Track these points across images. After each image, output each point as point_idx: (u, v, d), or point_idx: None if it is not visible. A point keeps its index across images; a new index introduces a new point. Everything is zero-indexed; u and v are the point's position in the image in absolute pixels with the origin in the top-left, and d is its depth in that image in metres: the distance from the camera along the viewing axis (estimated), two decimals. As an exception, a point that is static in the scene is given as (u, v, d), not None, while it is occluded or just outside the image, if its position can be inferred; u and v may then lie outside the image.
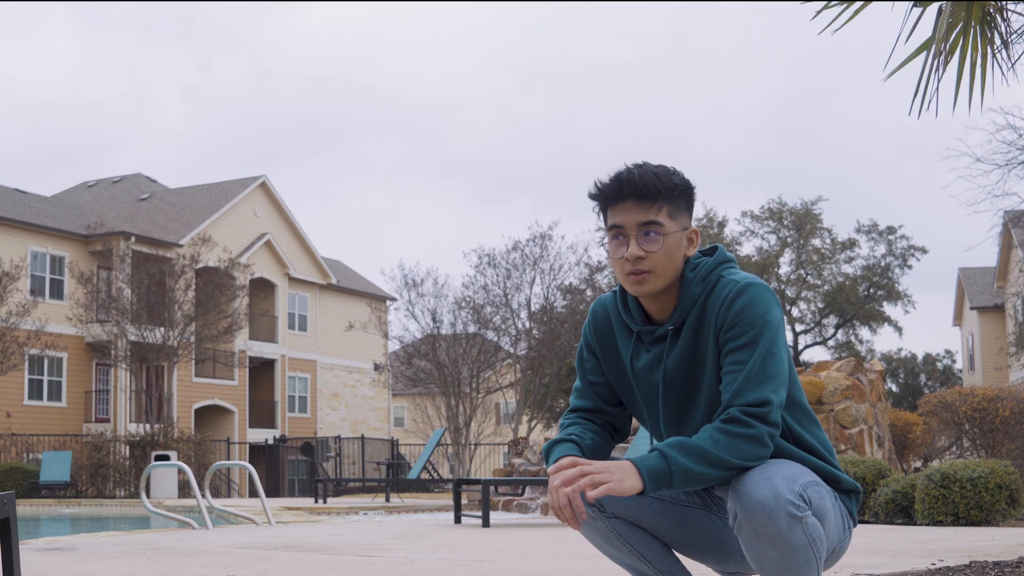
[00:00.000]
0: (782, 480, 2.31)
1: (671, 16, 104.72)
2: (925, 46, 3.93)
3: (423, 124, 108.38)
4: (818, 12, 3.97)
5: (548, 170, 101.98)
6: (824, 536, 2.38)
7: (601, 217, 2.61)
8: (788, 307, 41.83)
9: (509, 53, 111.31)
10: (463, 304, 28.28)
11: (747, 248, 41.51)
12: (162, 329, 28.59)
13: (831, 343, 43.05)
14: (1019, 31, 4.08)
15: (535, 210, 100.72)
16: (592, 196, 2.58)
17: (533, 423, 28.79)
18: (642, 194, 2.49)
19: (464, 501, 14.02)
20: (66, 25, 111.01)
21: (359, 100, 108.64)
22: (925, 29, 4.00)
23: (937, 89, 3.93)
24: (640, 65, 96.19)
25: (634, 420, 2.78)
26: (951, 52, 3.91)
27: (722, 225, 40.86)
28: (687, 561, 2.76)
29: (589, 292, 28.33)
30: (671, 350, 2.54)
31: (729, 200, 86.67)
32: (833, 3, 3.98)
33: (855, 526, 2.61)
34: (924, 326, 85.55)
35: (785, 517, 2.28)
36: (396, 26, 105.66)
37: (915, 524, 9.29)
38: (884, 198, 78.87)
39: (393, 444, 33.83)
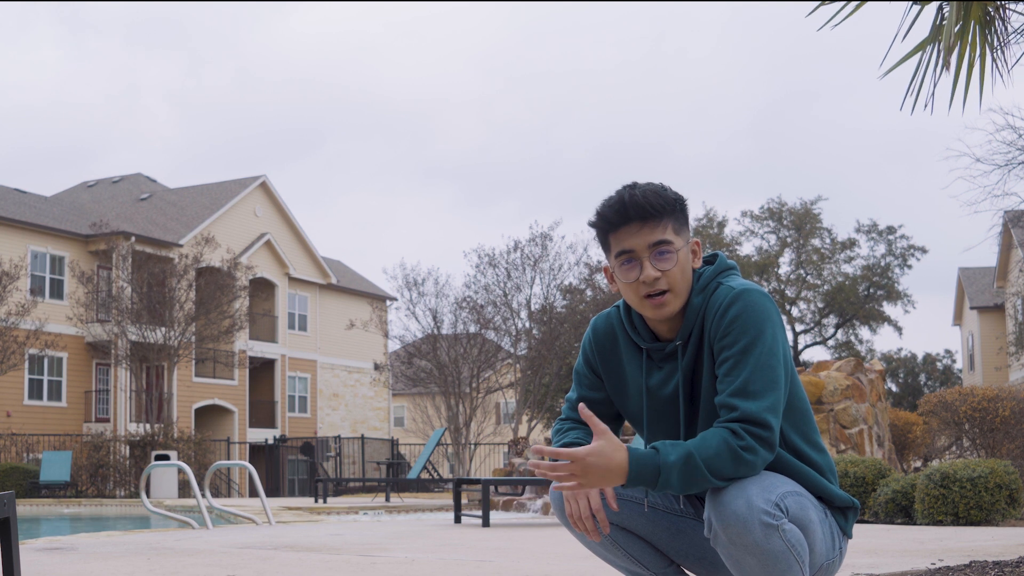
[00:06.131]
0: (757, 490, 2.29)
1: (653, 19, 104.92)
2: (923, 45, 3.93)
3: (409, 127, 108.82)
4: (814, 9, 3.96)
5: (535, 173, 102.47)
6: (806, 544, 2.35)
7: (601, 245, 2.57)
8: (788, 307, 41.82)
9: (493, 58, 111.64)
10: (464, 304, 28.28)
11: (747, 248, 41.54)
12: (162, 329, 28.59)
13: (831, 343, 43.06)
14: (1019, 30, 4.08)
15: (523, 212, 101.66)
16: (594, 224, 2.54)
17: (533, 423, 28.79)
18: (647, 215, 2.46)
19: (464, 501, 14.03)
20: (53, 29, 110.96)
21: (345, 103, 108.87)
22: (923, 28, 4.00)
23: (934, 87, 3.93)
24: (624, 70, 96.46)
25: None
26: (950, 51, 3.91)
27: (722, 225, 40.86)
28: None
29: (589, 292, 28.31)
30: (682, 367, 2.51)
31: (719, 202, 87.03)
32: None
33: (850, 538, 2.58)
34: (924, 326, 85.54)
35: (760, 526, 2.26)
36: (382, 30, 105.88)
37: (915, 524, 9.29)
38: (883, 198, 78.94)
39: (393, 444, 33.83)
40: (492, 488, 12.82)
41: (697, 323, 2.49)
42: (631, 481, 2.31)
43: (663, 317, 2.50)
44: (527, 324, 28.44)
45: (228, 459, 30.98)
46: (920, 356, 48.13)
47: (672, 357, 2.54)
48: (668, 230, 2.47)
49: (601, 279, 28.43)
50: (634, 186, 2.51)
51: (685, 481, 2.30)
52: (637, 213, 2.46)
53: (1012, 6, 4.03)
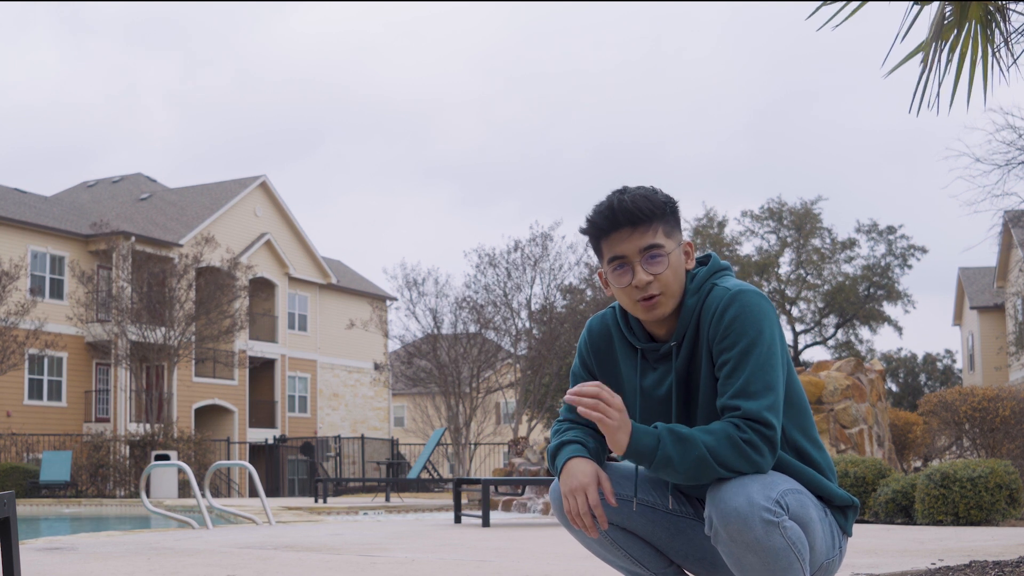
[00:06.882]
0: (758, 487, 2.29)
1: (652, 20, 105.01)
2: (926, 45, 3.92)
3: (408, 127, 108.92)
4: (815, 10, 3.96)
5: (535, 173, 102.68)
6: (807, 542, 2.35)
7: (594, 251, 2.58)
8: (788, 307, 41.82)
9: (493, 58, 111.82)
10: (464, 304, 28.28)
11: (747, 248, 41.54)
12: (162, 329, 28.59)
13: (831, 343, 43.05)
14: (1019, 30, 4.08)
15: (523, 212, 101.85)
16: (586, 231, 2.55)
17: (533, 423, 28.78)
18: (637, 220, 2.47)
19: (464, 501, 14.03)
20: (52, 29, 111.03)
21: (345, 103, 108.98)
22: (923, 27, 4.00)
23: (939, 87, 3.93)
24: (623, 70, 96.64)
25: None
26: (951, 51, 3.91)
27: (722, 225, 40.85)
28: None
29: (589, 292, 28.31)
30: (675, 367, 2.52)
31: (719, 202, 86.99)
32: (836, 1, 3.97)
33: (850, 536, 2.58)
34: (924, 326, 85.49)
35: (760, 523, 2.26)
36: (382, 30, 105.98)
37: (915, 524, 9.29)
38: (883, 198, 78.97)
39: (393, 444, 33.84)
40: (492, 488, 12.82)
41: (692, 324, 2.51)
42: (632, 447, 2.35)
43: (656, 318, 2.52)
44: (527, 324, 28.44)
45: (228, 459, 30.98)
46: (920, 356, 48.09)
47: (667, 358, 2.55)
48: (659, 234, 2.48)
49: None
50: (624, 191, 2.52)
51: (684, 457, 2.32)
52: (627, 219, 2.48)
53: (1012, 6, 4.03)
